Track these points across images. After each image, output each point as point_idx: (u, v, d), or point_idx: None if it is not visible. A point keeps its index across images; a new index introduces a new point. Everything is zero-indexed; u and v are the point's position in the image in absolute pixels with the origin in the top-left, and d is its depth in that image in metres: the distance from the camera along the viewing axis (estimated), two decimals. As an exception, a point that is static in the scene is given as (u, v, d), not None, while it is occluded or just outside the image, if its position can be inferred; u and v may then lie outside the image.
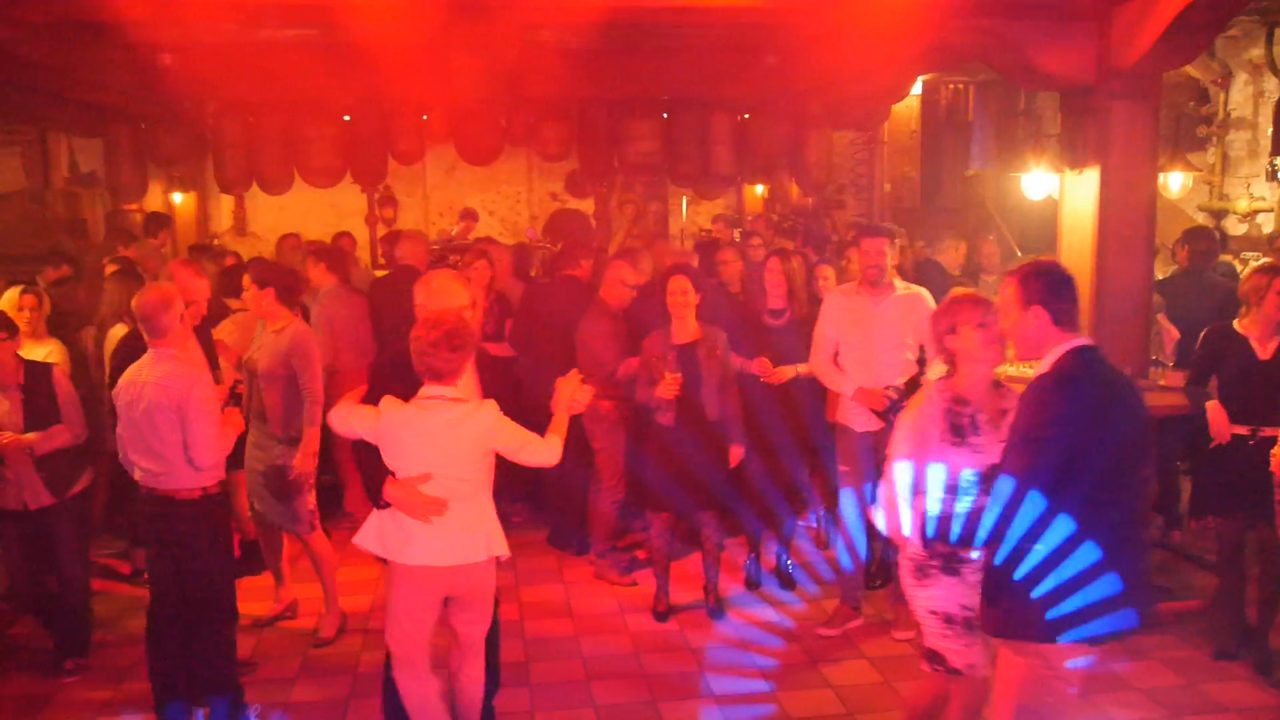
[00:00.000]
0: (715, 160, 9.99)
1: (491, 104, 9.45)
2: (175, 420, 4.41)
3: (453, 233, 12.43)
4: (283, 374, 5.51)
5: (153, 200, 11.17)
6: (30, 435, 5.18)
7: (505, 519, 7.13)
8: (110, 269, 7.36)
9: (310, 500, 5.68)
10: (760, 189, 13.19)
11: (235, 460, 5.24)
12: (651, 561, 6.21)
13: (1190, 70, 9.40)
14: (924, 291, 5.71)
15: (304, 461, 5.53)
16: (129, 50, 7.64)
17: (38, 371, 5.32)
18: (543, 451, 4.21)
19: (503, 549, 4.13)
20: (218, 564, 4.66)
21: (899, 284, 5.70)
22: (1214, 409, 5.35)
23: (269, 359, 5.54)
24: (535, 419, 7.19)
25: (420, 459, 3.97)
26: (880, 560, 6.24)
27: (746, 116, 10.01)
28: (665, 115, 9.86)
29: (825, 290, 6.47)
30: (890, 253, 5.60)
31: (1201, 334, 5.56)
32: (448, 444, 3.97)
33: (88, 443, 5.50)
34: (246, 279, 5.72)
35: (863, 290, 5.66)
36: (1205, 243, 7.45)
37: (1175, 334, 6.94)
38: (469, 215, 12.64)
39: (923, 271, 8.31)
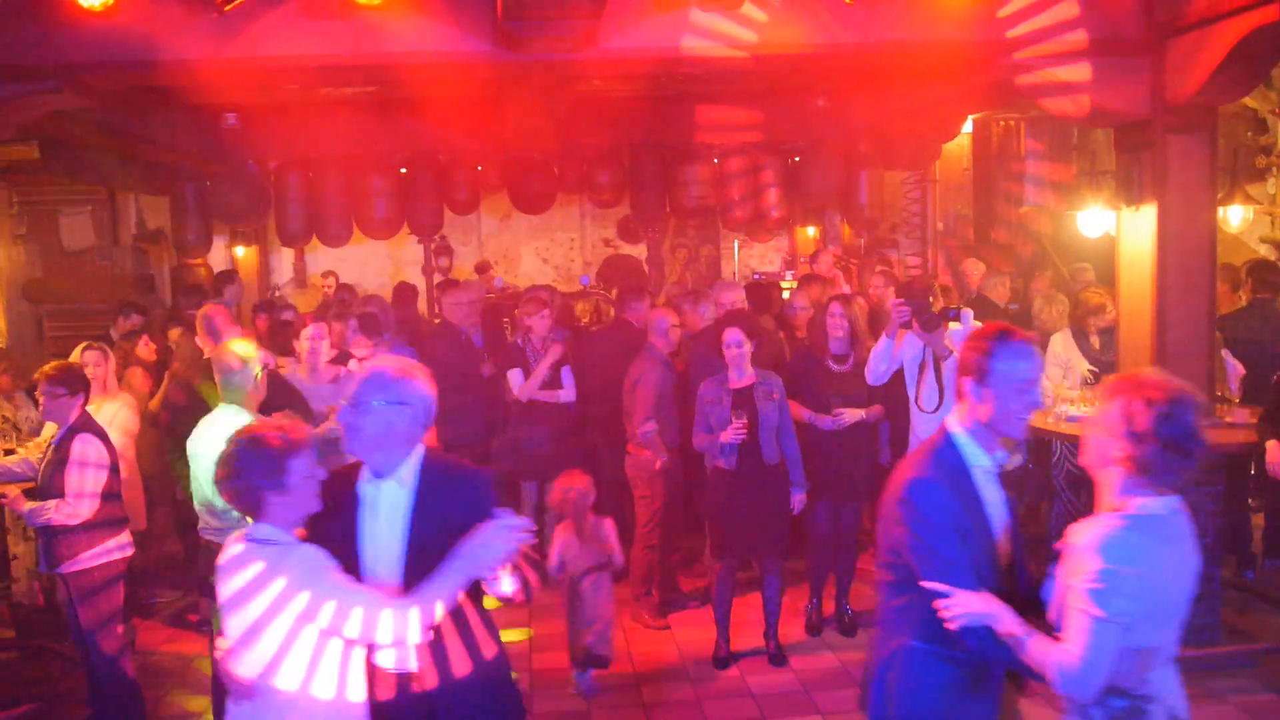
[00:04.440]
0: (767, 203, 10.03)
1: (544, 153, 9.60)
2: None
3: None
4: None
5: (216, 255, 11.46)
6: (25, 502, 5.03)
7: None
8: (175, 329, 7.58)
9: None
10: (812, 230, 13.19)
11: None
12: (713, 606, 6.17)
13: (1247, 100, 9.27)
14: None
15: None
16: (195, 113, 7.91)
17: (83, 426, 5.09)
18: (377, 625, 2.83)
19: None
20: None
21: (966, 312, 5.89)
22: (1273, 448, 5.25)
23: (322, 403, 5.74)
24: (593, 464, 7.39)
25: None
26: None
27: (797, 159, 10.05)
28: (716, 160, 9.93)
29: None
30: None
31: None
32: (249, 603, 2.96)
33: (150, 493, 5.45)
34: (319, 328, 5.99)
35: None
36: (1270, 275, 7.31)
37: (1240, 369, 6.81)
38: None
39: (976, 306, 8.26)
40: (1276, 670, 5.56)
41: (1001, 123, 10.96)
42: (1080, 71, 5.78)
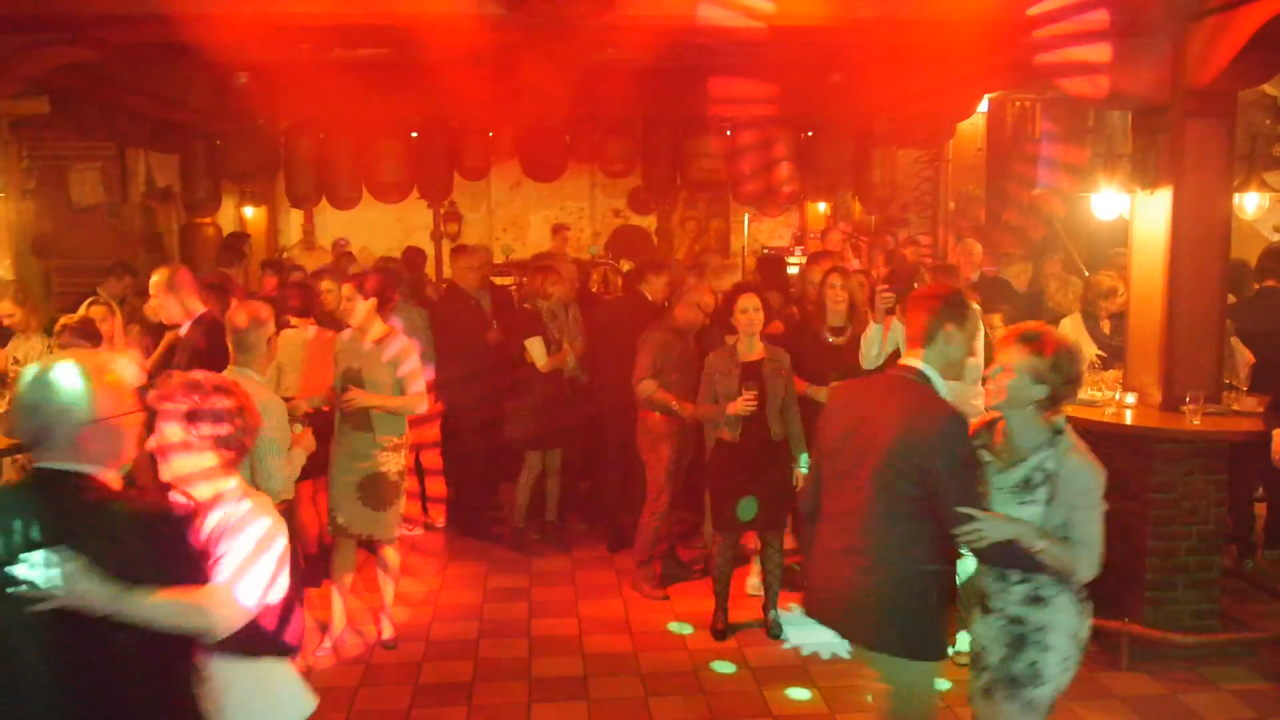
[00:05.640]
0: (779, 178, 9.98)
1: (556, 121, 9.54)
2: None
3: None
4: (389, 381, 5.66)
5: (225, 214, 11.44)
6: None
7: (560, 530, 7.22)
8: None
9: (403, 506, 5.84)
10: (823, 207, 13.14)
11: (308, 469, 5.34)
12: (713, 578, 6.20)
13: (1266, 88, 9.19)
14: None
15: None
16: (206, 70, 7.86)
17: None
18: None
19: None
20: None
21: None
22: (1279, 437, 5.23)
23: (375, 368, 5.68)
24: (601, 431, 7.48)
25: None
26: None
27: (810, 134, 9.99)
28: (729, 133, 9.88)
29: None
30: None
31: None
32: None
33: None
34: (348, 288, 5.82)
35: None
36: (1277, 264, 7.26)
37: (1250, 357, 6.77)
38: (559, 229, 12.68)
39: (991, 287, 8.22)
40: (1273, 659, 5.57)
41: (1017, 103, 10.88)
42: (1099, 52, 5.72)
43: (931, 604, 3.45)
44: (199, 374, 2.97)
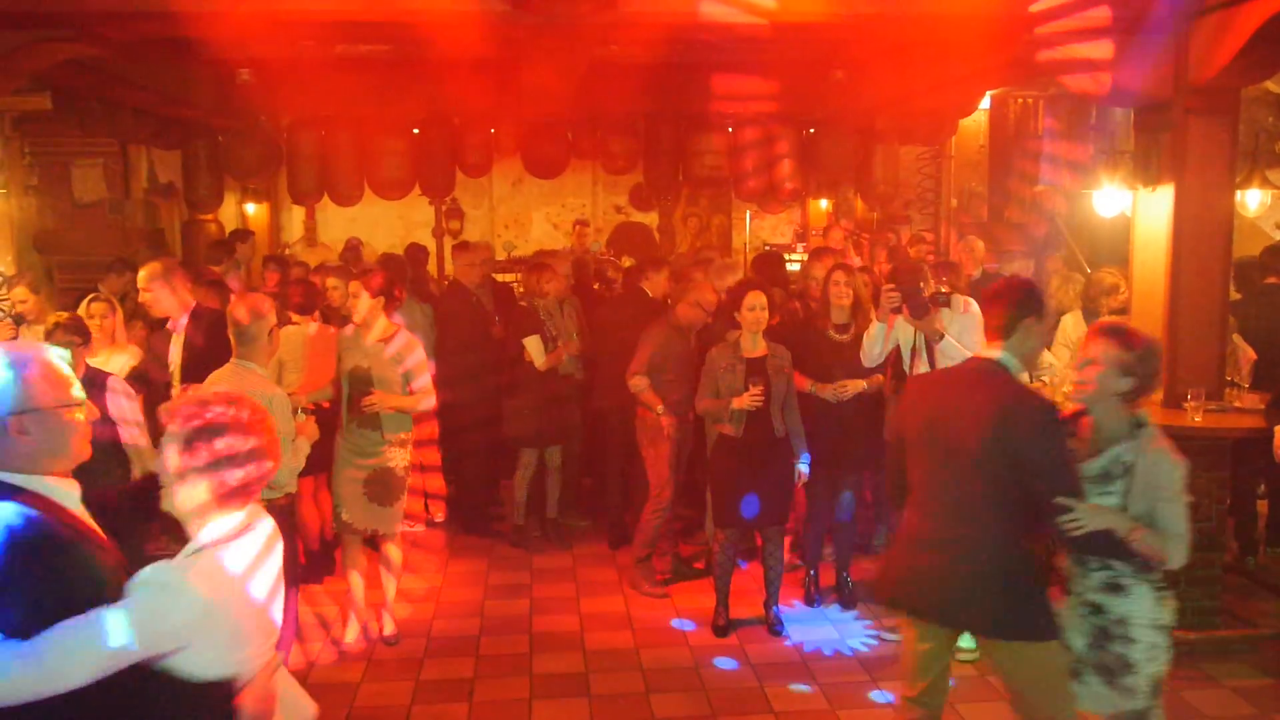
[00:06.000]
0: (781, 175, 9.98)
1: (559, 118, 9.54)
2: None
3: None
4: (397, 378, 5.69)
5: (227, 211, 11.44)
6: None
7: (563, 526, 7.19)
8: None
9: (406, 501, 5.88)
10: (825, 204, 13.13)
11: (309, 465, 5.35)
12: (714, 575, 6.20)
13: (1269, 84, 9.18)
14: (972, 300, 5.98)
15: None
16: (209, 67, 7.87)
17: (94, 380, 4.87)
18: None
19: None
20: None
21: (957, 298, 5.89)
22: None
23: (383, 365, 5.69)
24: (602, 428, 7.48)
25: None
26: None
27: (812, 131, 9.98)
28: (731, 129, 9.87)
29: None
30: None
31: None
32: None
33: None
34: (355, 284, 5.84)
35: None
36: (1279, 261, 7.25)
37: (1251, 355, 6.77)
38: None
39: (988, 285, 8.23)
40: (1275, 656, 5.57)
41: (1019, 100, 10.88)
42: (1102, 49, 5.71)
43: (1042, 586, 3.57)
44: (211, 394, 2.62)
